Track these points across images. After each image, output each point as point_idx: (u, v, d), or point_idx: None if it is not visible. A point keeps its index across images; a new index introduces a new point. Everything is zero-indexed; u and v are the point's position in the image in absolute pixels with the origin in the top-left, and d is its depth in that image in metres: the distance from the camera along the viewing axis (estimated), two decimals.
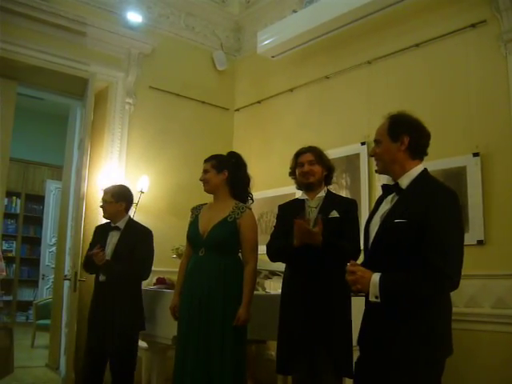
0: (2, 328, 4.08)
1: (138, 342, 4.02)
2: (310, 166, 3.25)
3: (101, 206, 4.14)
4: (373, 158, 2.40)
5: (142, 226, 4.16)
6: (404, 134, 2.23)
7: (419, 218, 2.05)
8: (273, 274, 4.17)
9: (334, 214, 3.13)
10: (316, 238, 2.94)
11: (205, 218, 3.41)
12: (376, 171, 2.40)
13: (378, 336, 2.12)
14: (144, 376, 4.68)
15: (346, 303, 3.09)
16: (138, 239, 4.01)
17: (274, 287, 4.70)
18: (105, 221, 4.28)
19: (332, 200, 3.25)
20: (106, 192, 4.13)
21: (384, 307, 2.05)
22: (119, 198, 4.09)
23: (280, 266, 4.16)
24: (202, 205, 3.55)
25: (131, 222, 4.15)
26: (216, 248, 3.30)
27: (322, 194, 3.27)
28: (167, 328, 3.71)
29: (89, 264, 4.04)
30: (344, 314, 3.07)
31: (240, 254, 3.41)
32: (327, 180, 3.34)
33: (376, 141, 2.34)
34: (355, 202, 3.33)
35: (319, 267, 3.03)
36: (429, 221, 2.04)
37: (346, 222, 3.12)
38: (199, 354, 3.16)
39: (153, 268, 4.13)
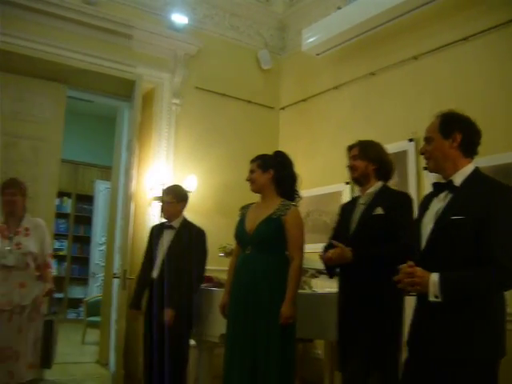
0: (53, 314, 4.20)
1: (188, 341, 4.09)
2: (353, 161, 3.16)
3: (161, 207, 4.24)
4: (422, 156, 2.37)
5: (196, 226, 4.23)
6: (456, 131, 2.22)
7: (478, 215, 2.03)
8: (320, 272, 4.14)
9: (379, 210, 2.98)
10: (342, 257, 2.89)
11: (251, 217, 3.43)
12: (426, 169, 2.37)
13: (433, 336, 2.09)
14: (192, 373, 4.72)
15: (395, 304, 2.96)
16: (192, 239, 4.10)
17: (321, 286, 4.67)
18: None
19: (383, 196, 3.06)
20: (167, 193, 4.21)
21: (441, 307, 2.02)
22: (180, 198, 4.23)
23: None
24: (250, 204, 3.57)
25: (185, 222, 4.23)
26: (262, 245, 3.31)
27: (374, 189, 3.11)
28: (214, 326, 3.74)
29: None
30: (389, 315, 2.94)
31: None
32: (379, 174, 3.14)
33: (426, 138, 2.32)
34: (405, 196, 3.13)
35: (362, 279, 2.94)
36: (490, 218, 2.02)
37: (390, 220, 2.94)
38: (246, 353, 3.17)
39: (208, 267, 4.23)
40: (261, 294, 3.21)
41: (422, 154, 2.35)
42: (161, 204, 4.28)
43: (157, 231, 4.27)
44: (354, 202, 3.22)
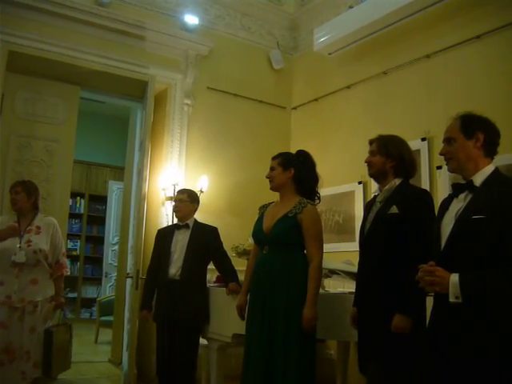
0: (62, 324, 4.23)
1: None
2: (370, 157, 3.02)
3: (174, 206, 4.33)
4: (441, 157, 2.35)
5: (208, 225, 4.34)
6: (478, 131, 2.22)
7: (499, 215, 2.01)
8: (332, 272, 4.14)
9: (394, 209, 2.79)
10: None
11: (269, 216, 3.37)
12: (439, 168, 2.36)
13: (456, 337, 2.07)
14: (204, 373, 4.73)
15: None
16: (209, 237, 4.22)
17: (334, 286, 4.67)
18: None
19: (399, 193, 2.87)
20: (182, 192, 4.35)
21: (465, 308, 2.00)
22: (194, 199, 4.34)
23: (340, 265, 4.14)
24: (269, 203, 3.52)
25: (198, 222, 4.33)
26: (278, 245, 3.25)
27: (390, 186, 2.93)
28: (227, 326, 3.74)
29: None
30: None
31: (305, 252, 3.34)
32: (398, 171, 2.94)
33: (447, 139, 2.31)
34: (422, 195, 2.90)
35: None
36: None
37: (405, 219, 2.75)
38: (262, 354, 3.12)
39: (212, 266, 4.28)
40: (278, 295, 3.15)
41: (443, 155, 2.33)
42: (174, 203, 4.35)
43: (168, 232, 4.31)
44: (374, 199, 3.07)
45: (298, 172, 3.38)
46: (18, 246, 3.94)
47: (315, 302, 3.10)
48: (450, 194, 2.33)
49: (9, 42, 4.87)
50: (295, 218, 3.23)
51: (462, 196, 2.22)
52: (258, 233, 3.41)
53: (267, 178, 3.43)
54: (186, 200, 4.26)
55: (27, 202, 4.11)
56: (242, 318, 3.41)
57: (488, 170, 2.21)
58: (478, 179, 2.19)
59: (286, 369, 3.05)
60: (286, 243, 3.25)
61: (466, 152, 2.23)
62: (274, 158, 3.45)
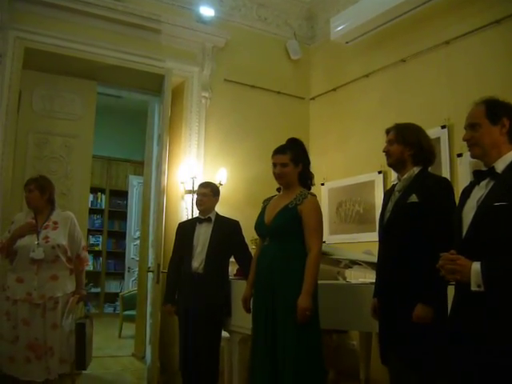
0: (86, 316, 4.26)
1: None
2: (388, 146, 2.98)
3: (198, 200, 4.31)
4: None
5: (229, 218, 4.35)
6: (504, 117, 2.18)
7: None
8: (353, 263, 4.11)
9: (413, 198, 2.76)
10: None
11: (271, 208, 3.38)
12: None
13: (478, 326, 2.02)
14: (226, 365, 4.73)
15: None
16: (232, 230, 4.23)
17: (355, 276, 4.64)
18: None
19: (419, 182, 2.83)
20: (205, 186, 4.34)
21: (487, 297, 1.96)
22: (216, 192, 4.34)
23: (360, 256, 4.11)
24: (272, 196, 3.52)
25: (219, 216, 4.32)
26: (278, 236, 3.25)
27: (409, 175, 2.89)
28: (247, 318, 3.73)
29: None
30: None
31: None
32: (417, 160, 2.90)
33: (472, 125, 2.25)
34: (441, 183, 2.86)
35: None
36: None
37: (425, 208, 2.72)
38: (266, 343, 3.15)
39: (232, 259, 4.28)
40: (278, 286, 3.16)
41: (467, 140, 2.27)
42: (196, 197, 4.33)
43: (189, 226, 4.30)
44: (392, 188, 3.03)
45: (305, 165, 3.39)
46: (36, 242, 3.95)
47: (311, 292, 3.08)
48: (471, 182, 2.28)
49: (25, 39, 4.88)
50: (295, 209, 3.23)
51: (483, 183, 2.17)
52: (259, 225, 3.41)
53: (277, 174, 3.34)
54: (209, 194, 4.26)
55: (41, 199, 4.11)
56: (248, 310, 3.43)
57: (510, 156, 2.16)
58: (500, 166, 2.14)
59: (285, 355, 3.06)
60: (285, 234, 3.25)
61: (492, 138, 2.18)
62: (281, 153, 3.35)
